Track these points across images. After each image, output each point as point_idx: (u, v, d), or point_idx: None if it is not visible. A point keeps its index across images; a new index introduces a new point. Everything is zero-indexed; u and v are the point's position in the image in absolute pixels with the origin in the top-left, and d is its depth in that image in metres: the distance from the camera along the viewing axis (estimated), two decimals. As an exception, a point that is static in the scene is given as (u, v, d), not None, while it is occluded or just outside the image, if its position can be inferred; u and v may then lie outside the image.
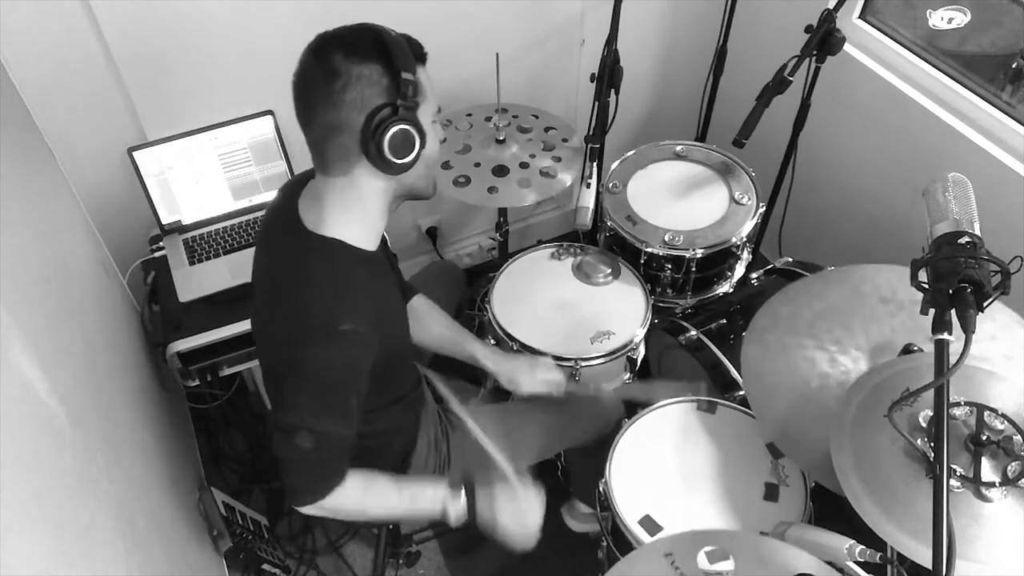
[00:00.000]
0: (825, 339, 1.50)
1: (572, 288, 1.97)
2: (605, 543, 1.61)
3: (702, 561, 1.19)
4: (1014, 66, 1.92)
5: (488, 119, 2.10)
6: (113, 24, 1.76)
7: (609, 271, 1.98)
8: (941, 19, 2.02)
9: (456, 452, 1.64)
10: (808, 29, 1.83)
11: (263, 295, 1.38)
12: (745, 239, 1.98)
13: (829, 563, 1.18)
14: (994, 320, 1.48)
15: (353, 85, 1.15)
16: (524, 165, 2.02)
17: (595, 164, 1.94)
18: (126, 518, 1.36)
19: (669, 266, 1.97)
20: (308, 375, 1.21)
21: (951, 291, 1.03)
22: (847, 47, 1.96)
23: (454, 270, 2.17)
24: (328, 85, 1.15)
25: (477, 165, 2.02)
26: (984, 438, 1.18)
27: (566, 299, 1.94)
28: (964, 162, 1.93)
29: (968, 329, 1.00)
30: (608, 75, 1.91)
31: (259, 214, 2.11)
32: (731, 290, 2.07)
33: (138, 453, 1.63)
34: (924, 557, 1.02)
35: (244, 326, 1.88)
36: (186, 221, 2.07)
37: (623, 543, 1.50)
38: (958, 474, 1.17)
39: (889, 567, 1.18)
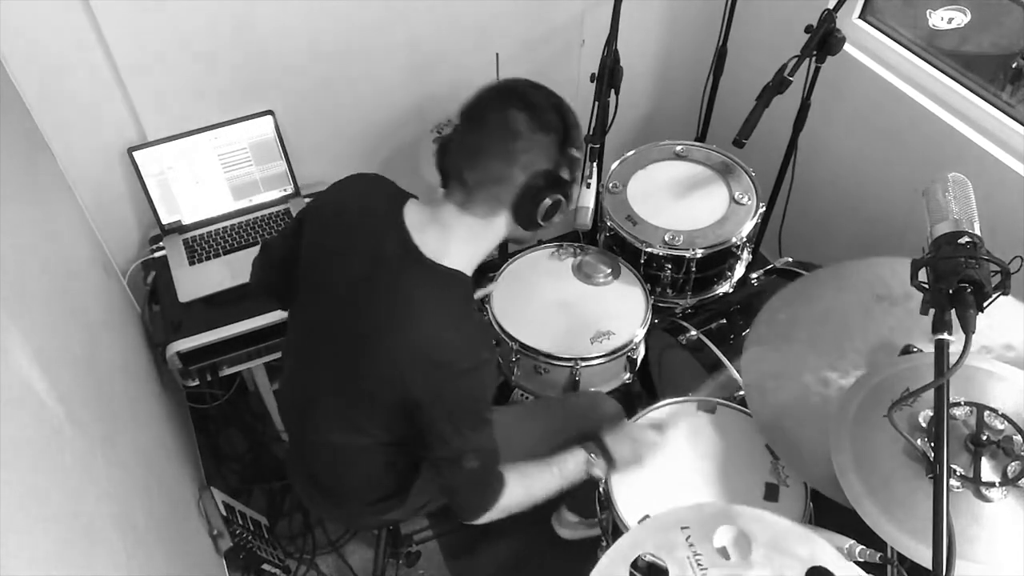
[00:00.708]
0: (823, 344, 1.50)
1: (572, 288, 1.97)
2: (605, 543, 1.61)
3: (719, 539, 1.17)
4: (1014, 66, 1.92)
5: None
6: (113, 24, 1.76)
7: (609, 271, 1.98)
8: (941, 19, 2.02)
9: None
10: (808, 29, 1.83)
11: (368, 315, 1.29)
12: (745, 239, 1.98)
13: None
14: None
15: (530, 150, 1.22)
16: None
17: (595, 164, 1.94)
18: (126, 518, 1.35)
19: (669, 266, 1.97)
20: (464, 404, 1.28)
21: (951, 291, 1.03)
22: (847, 47, 1.96)
23: None
24: (508, 143, 1.22)
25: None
26: (984, 438, 1.19)
27: (566, 299, 1.94)
28: (964, 162, 1.93)
29: (968, 329, 1.00)
30: (608, 75, 1.91)
31: (259, 214, 2.11)
32: (731, 290, 2.07)
33: (138, 453, 1.63)
34: (924, 557, 1.02)
35: (244, 326, 1.88)
36: (186, 221, 2.07)
37: (623, 543, 1.50)
38: (958, 474, 1.17)
39: (889, 567, 1.18)
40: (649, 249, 1.94)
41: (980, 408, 1.21)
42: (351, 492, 1.55)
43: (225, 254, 2.02)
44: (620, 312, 1.91)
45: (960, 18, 1.99)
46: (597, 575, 1.14)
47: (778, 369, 1.50)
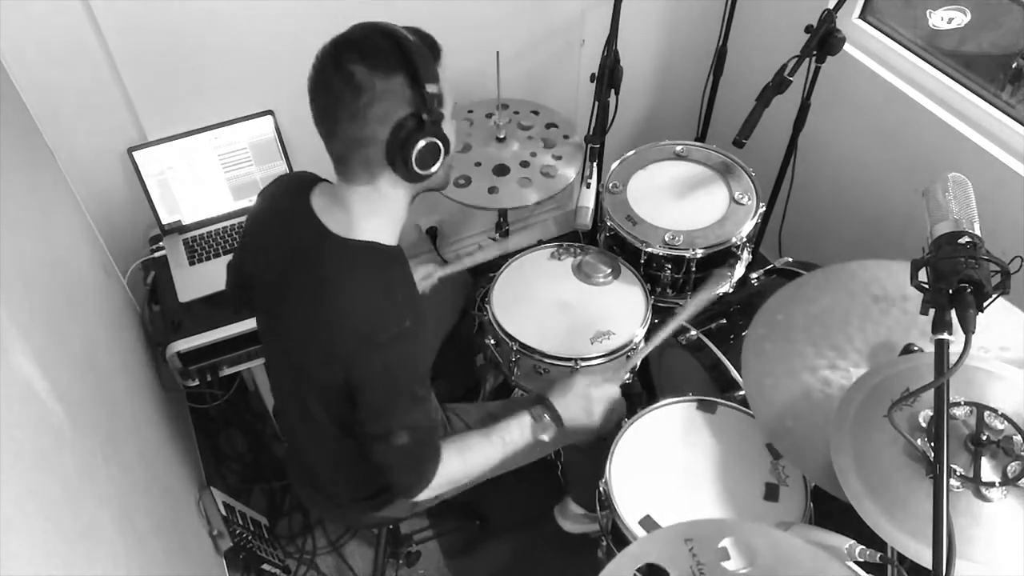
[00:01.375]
0: (823, 345, 1.50)
1: (572, 288, 1.97)
2: (605, 543, 1.61)
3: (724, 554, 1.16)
4: (1014, 66, 1.92)
5: (489, 116, 2.11)
6: (113, 24, 1.76)
7: (609, 271, 1.98)
8: (941, 19, 2.02)
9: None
10: (808, 29, 1.83)
11: (294, 305, 1.31)
12: (745, 239, 1.98)
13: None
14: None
15: (378, 100, 1.14)
16: (525, 164, 2.02)
17: (595, 164, 1.94)
18: (126, 518, 1.35)
19: (669, 266, 1.97)
20: (388, 378, 1.23)
21: (951, 291, 1.03)
22: (847, 47, 1.96)
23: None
24: (353, 101, 1.13)
25: (478, 164, 2.03)
26: (984, 438, 1.18)
27: (566, 299, 1.94)
28: (964, 162, 1.93)
29: (968, 329, 1.00)
30: (608, 75, 1.91)
31: (259, 214, 2.11)
32: (731, 290, 2.07)
33: (138, 453, 1.63)
34: (924, 557, 1.02)
35: (244, 326, 1.88)
36: (186, 221, 2.07)
37: (623, 543, 1.49)
38: (958, 474, 1.16)
39: (889, 567, 1.18)
40: (649, 249, 1.94)
41: (980, 408, 1.21)
42: (342, 488, 1.56)
43: (225, 254, 2.02)
44: (620, 312, 1.91)
45: (960, 18, 1.99)
46: None
47: (778, 369, 1.49)
